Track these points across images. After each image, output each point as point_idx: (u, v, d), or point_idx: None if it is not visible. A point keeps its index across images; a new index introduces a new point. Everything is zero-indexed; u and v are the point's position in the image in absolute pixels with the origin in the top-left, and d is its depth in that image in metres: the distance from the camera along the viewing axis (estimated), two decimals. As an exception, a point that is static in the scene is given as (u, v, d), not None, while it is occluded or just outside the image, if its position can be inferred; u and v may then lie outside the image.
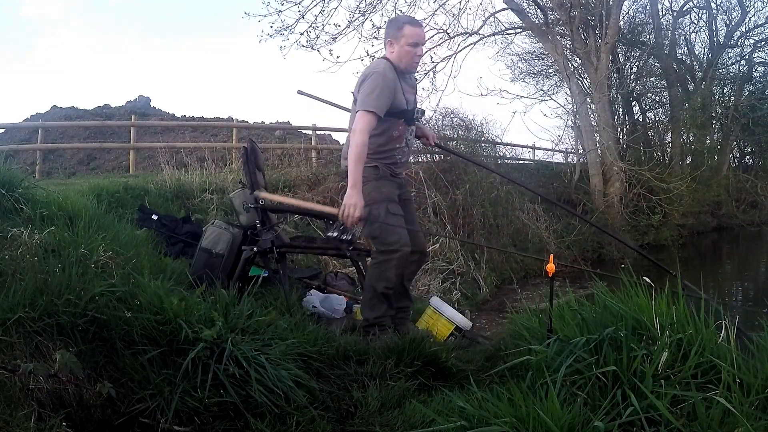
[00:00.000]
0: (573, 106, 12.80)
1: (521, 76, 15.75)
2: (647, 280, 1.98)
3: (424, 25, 4.24)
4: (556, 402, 1.48)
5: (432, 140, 3.21)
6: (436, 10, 11.63)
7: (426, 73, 11.57)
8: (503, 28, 13.30)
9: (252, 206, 3.12)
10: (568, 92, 13.07)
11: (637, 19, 15.53)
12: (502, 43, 14.56)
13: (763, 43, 16.11)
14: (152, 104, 24.31)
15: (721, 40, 16.02)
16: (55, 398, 1.59)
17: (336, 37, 10.86)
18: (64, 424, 1.51)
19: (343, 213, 2.56)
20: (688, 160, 14.90)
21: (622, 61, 15.33)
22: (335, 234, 2.96)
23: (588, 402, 1.58)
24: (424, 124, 4.30)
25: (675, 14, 15.56)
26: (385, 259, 2.71)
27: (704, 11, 16.12)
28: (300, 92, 3.45)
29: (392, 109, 2.73)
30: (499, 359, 2.26)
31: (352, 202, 2.55)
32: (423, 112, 3.11)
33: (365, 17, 10.93)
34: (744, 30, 15.95)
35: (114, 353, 1.79)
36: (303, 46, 10.79)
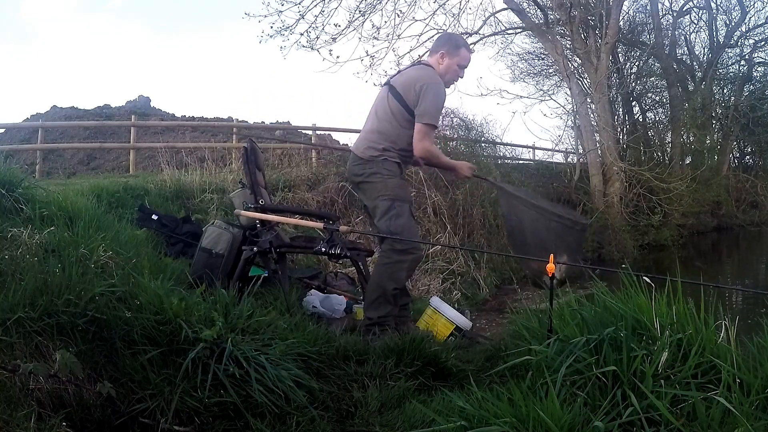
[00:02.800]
0: (573, 106, 12.78)
1: (521, 76, 15.74)
2: (647, 279, 1.98)
3: (429, 28, 4.40)
4: (556, 402, 1.48)
5: None
6: (436, 10, 11.61)
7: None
8: (503, 28, 13.29)
9: (252, 206, 3.13)
10: (568, 92, 13.05)
11: (637, 19, 15.53)
12: (502, 43, 14.54)
13: (763, 43, 16.10)
14: (152, 104, 24.31)
15: (721, 40, 16.00)
16: (55, 398, 1.59)
17: (336, 38, 10.87)
18: (64, 424, 1.51)
19: (463, 176, 3.02)
20: (688, 160, 14.87)
21: (622, 61, 15.31)
22: (323, 249, 3.00)
23: (588, 402, 1.58)
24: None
25: (675, 14, 15.56)
26: (400, 259, 2.77)
27: (704, 11, 16.11)
28: None
29: None
30: (499, 359, 2.26)
31: (463, 171, 2.99)
32: None
33: (365, 17, 10.95)
34: (744, 30, 15.94)
35: (114, 353, 1.79)
36: (303, 46, 10.81)
